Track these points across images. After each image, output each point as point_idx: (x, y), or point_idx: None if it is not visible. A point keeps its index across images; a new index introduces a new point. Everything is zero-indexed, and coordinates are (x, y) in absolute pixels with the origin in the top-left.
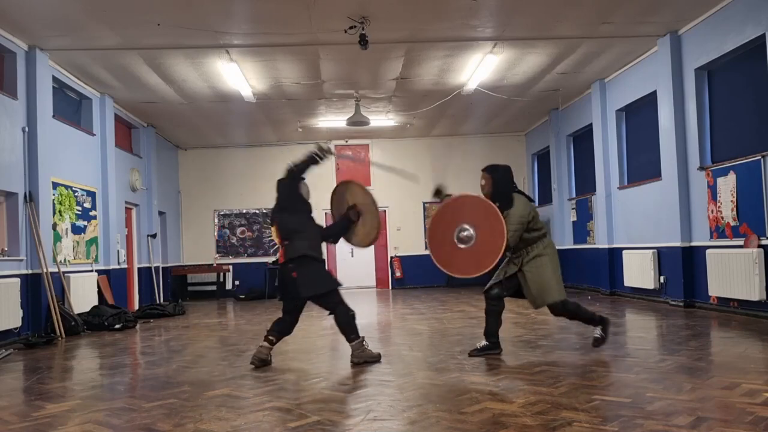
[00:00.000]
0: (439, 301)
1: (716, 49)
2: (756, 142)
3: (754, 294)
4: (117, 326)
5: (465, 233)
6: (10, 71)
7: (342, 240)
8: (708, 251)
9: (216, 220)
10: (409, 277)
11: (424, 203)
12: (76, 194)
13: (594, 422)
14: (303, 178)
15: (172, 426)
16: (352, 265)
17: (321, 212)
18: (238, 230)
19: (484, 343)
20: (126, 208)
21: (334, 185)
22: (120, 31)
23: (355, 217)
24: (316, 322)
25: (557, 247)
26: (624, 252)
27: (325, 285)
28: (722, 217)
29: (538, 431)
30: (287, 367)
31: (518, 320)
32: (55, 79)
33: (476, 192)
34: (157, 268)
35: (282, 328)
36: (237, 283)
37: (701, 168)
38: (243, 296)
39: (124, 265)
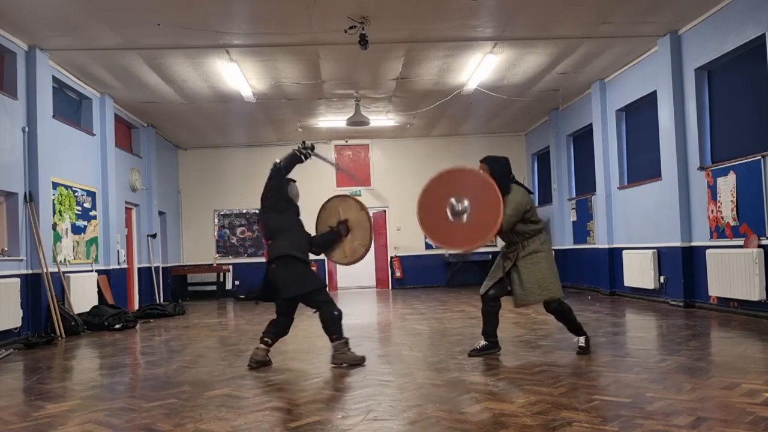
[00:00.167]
0: (439, 301)
1: (716, 49)
2: (756, 142)
3: (754, 294)
4: (117, 326)
5: (460, 206)
6: (10, 71)
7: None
8: (708, 251)
9: (216, 220)
10: (409, 277)
11: None
12: (76, 194)
13: (594, 422)
14: (293, 180)
15: (172, 426)
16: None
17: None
18: (238, 230)
19: (483, 343)
20: (126, 208)
21: (331, 193)
22: (120, 31)
23: (344, 232)
24: (316, 322)
25: (558, 247)
26: (624, 252)
27: (306, 285)
28: (722, 217)
29: (538, 431)
30: (287, 367)
31: (518, 320)
32: (55, 79)
33: None
34: (157, 268)
35: (278, 330)
36: (237, 283)
37: (701, 168)
38: (243, 296)
39: (124, 265)
